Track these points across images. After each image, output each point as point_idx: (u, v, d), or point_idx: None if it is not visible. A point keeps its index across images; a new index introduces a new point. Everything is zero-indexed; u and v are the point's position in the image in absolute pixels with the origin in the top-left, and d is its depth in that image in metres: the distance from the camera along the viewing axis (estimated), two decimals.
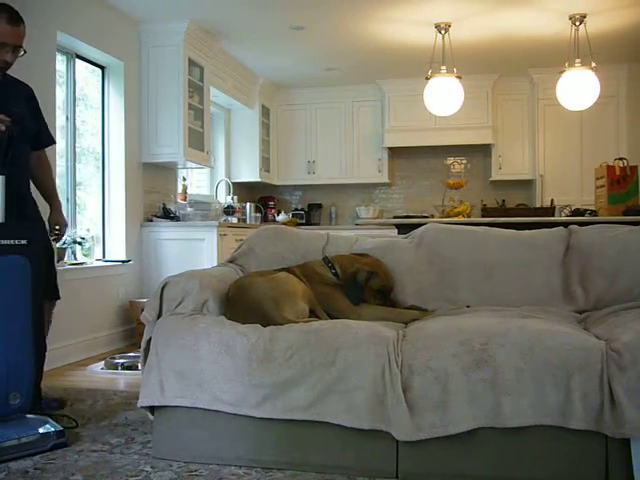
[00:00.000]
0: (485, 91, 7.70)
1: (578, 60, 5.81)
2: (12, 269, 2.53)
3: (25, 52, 2.95)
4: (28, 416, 2.70)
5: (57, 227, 3.20)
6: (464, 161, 8.09)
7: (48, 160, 3.33)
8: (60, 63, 4.89)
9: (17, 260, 2.55)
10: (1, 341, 2.54)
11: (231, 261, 3.23)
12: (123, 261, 5.38)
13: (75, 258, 4.96)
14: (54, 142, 3.43)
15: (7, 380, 2.56)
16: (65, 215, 3.36)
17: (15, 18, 2.85)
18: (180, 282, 2.68)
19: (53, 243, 3.25)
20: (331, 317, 2.74)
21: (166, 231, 5.74)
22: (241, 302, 2.65)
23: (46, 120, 3.29)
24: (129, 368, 4.34)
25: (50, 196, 3.27)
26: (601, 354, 2.17)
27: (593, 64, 5.72)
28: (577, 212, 5.17)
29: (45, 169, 3.27)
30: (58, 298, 3.23)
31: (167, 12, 5.48)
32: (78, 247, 4.98)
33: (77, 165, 5.16)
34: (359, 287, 2.85)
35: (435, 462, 2.29)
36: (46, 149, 3.31)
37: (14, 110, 2.88)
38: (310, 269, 2.96)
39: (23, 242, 2.56)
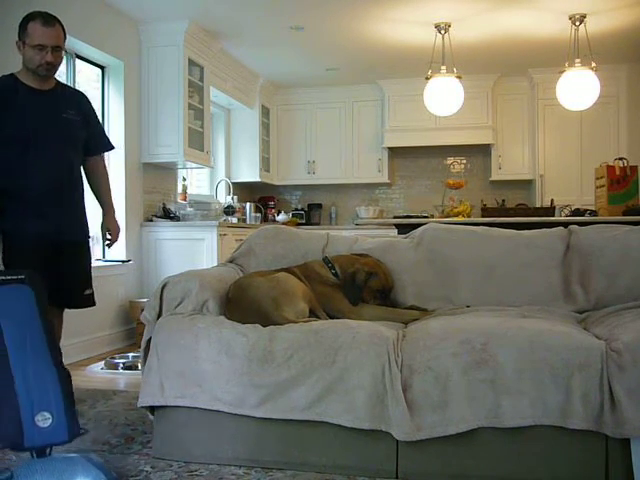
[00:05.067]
0: (485, 91, 7.70)
1: (578, 60, 5.81)
2: (16, 296, 2.38)
3: (66, 52, 3.03)
4: (72, 456, 2.20)
5: (109, 232, 3.29)
6: (464, 161, 8.11)
7: (104, 166, 3.36)
8: None
9: (20, 288, 2.41)
10: (16, 358, 2.21)
11: (231, 261, 3.23)
12: (123, 261, 5.38)
13: None
14: (111, 147, 3.40)
15: (28, 396, 2.13)
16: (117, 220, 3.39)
17: (49, 20, 2.90)
18: (180, 282, 2.68)
19: (106, 247, 3.42)
20: (331, 317, 2.74)
21: (166, 231, 5.74)
22: (241, 302, 2.65)
23: None
24: (129, 368, 4.34)
25: (104, 202, 3.32)
26: (601, 354, 2.17)
27: (593, 64, 5.72)
28: (577, 212, 5.16)
29: (99, 175, 3.29)
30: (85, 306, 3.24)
31: (167, 12, 5.48)
32: None
33: None
34: (358, 287, 2.85)
35: (435, 462, 2.29)
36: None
37: (63, 116, 3.01)
38: (310, 269, 2.96)
39: (21, 277, 2.43)
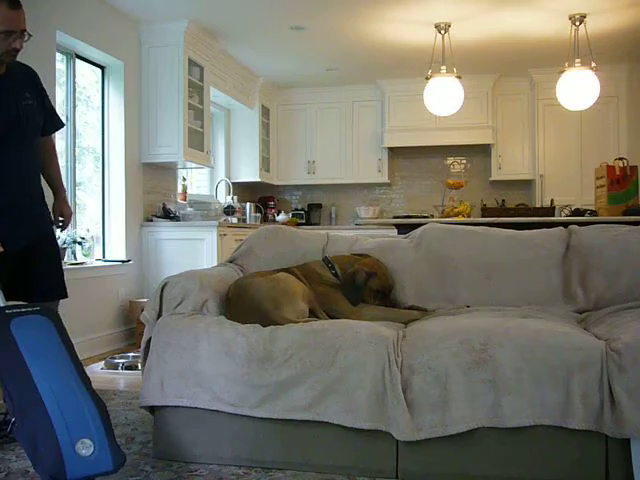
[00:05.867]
0: (485, 91, 7.70)
1: (578, 60, 5.81)
2: (35, 325, 2.31)
3: (30, 36, 2.70)
4: None
5: (61, 217, 3.03)
6: (464, 161, 8.10)
7: (54, 145, 3.07)
8: (59, 63, 4.89)
9: (37, 318, 2.34)
10: (44, 384, 2.08)
11: (231, 261, 3.23)
12: (123, 261, 5.38)
13: (75, 258, 4.96)
14: (63, 125, 3.10)
15: (64, 421, 1.95)
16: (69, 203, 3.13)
17: (14, 1, 2.61)
18: (180, 282, 2.68)
19: (58, 234, 3.07)
20: (331, 317, 2.74)
21: (166, 231, 5.74)
22: (241, 302, 2.65)
23: None
24: (129, 368, 4.34)
25: (55, 184, 3.03)
26: (601, 354, 2.17)
27: (593, 64, 5.72)
28: (577, 212, 5.17)
29: (51, 155, 3.01)
30: (64, 297, 3.00)
31: (167, 12, 5.48)
32: (78, 247, 4.98)
33: (77, 165, 5.16)
34: (358, 287, 2.85)
35: (435, 462, 2.29)
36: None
37: (24, 104, 2.74)
38: (310, 269, 2.96)
39: (36, 308, 2.35)
